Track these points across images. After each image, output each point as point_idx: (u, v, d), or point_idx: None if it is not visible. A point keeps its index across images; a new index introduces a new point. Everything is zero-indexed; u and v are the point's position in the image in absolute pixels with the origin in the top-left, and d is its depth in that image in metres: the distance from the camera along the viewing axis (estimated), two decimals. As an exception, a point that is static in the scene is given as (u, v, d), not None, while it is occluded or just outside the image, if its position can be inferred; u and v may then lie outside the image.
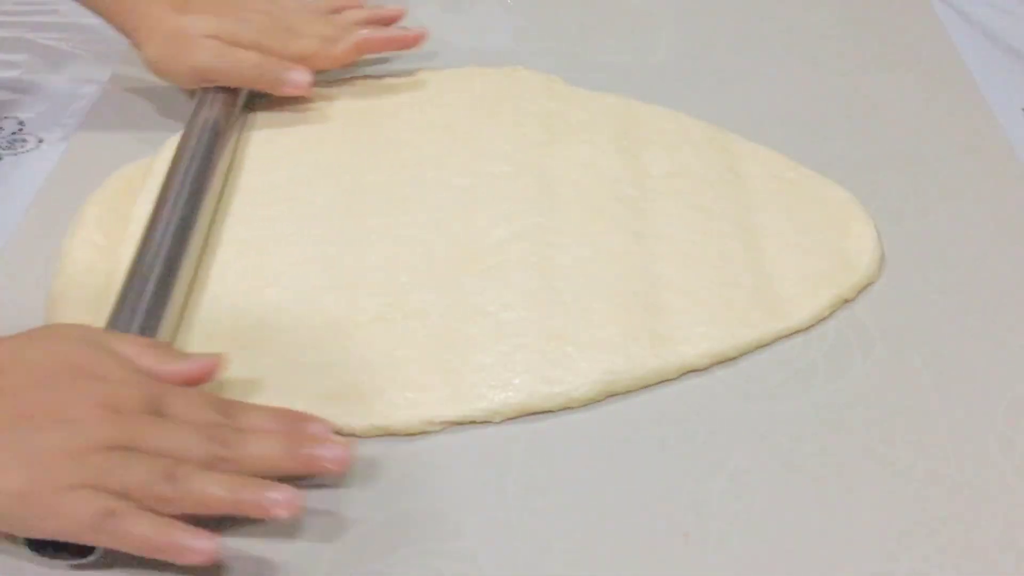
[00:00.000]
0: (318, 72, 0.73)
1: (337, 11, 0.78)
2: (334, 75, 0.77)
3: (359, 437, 0.53)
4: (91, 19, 0.87)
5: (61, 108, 0.77)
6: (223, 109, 0.69)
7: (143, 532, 0.44)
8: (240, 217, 0.65)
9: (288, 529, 0.49)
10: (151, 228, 0.60)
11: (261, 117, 0.73)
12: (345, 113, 0.73)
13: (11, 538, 0.46)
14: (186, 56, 0.70)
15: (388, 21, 0.78)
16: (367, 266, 0.61)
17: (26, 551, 0.46)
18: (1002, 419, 0.53)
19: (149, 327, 0.54)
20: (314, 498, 0.50)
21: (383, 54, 0.78)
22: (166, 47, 0.70)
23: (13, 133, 0.75)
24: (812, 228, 0.63)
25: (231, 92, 0.71)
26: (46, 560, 0.46)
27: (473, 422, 0.54)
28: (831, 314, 0.59)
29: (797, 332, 0.58)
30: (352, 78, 0.77)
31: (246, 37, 0.70)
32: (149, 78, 0.79)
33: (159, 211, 0.61)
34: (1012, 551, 0.47)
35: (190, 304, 0.59)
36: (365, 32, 0.74)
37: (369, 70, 0.78)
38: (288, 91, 0.71)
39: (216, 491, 0.46)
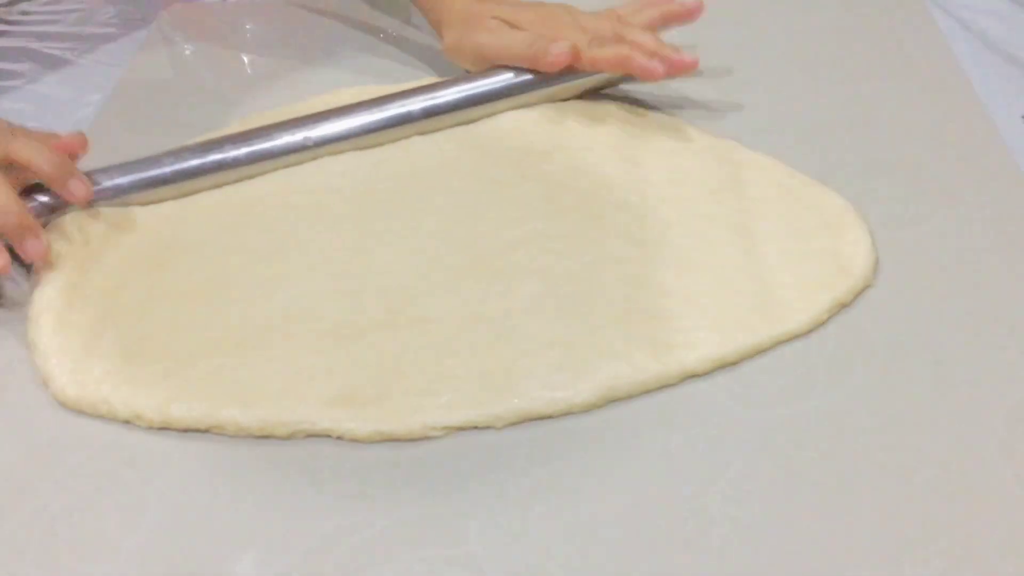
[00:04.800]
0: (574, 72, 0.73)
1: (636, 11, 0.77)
2: (342, 79, 0.77)
3: (363, 442, 0.53)
4: (95, 29, 0.88)
5: (65, 117, 0.78)
6: None
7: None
8: (247, 222, 0.65)
9: (289, 535, 0.49)
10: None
11: (267, 122, 0.74)
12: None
13: None
14: (471, 36, 0.74)
15: (681, 17, 0.76)
16: (371, 272, 0.61)
17: None
18: (1003, 425, 0.53)
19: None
20: (317, 503, 0.51)
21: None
22: (458, 31, 0.75)
23: (18, 142, 0.75)
24: (809, 234, 0.63)
25: None
26: None
27: (476, 427, 0.54)
28: (830, 319, 0.59)
29: (797, 337, 0.58)
30: (358, 84, 0.77)
31: (525, 19, 0.73)
32: (153, 87, 0.80)
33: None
34: (1014, 557, 0.47)
35: (196, 309, 0.60)
36: (626, 50, 0.70)
37: (371, 76, 0.79)
38: (546, 65, 0.71)
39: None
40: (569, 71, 0.72)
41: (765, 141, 0.71)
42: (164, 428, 0.55)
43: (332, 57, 0.83)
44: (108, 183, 0.65)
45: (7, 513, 0.51)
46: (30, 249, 0.61)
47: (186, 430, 0.54)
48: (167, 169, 0.67)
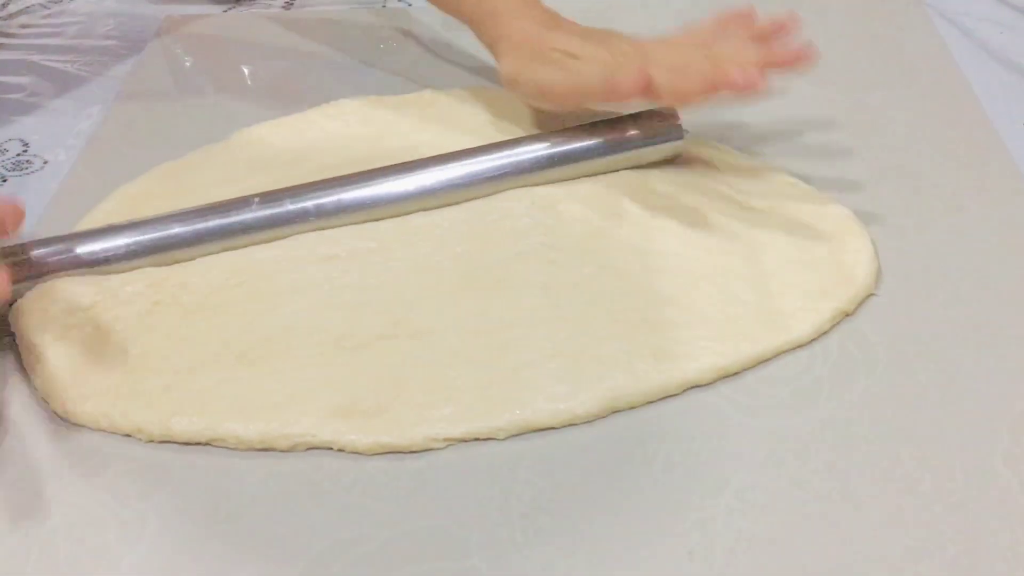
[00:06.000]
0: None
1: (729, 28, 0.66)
2: (342, 91, 0.77)
3: (364, 454, 0.53)
4: (95, 41, 0.88)
5: (66, 129, 0.78)
6: None
7: None
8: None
9: (290, 548, 0.49)
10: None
11: (268, 134, 0.74)
12: (351, 131, 0.73)
13: None
14: (533, 70, 0.66)
15: (784, 62, 0.63)
16: (373, 284, 0.61)
17: None
18: (1007, 433, 0.53)
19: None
20: (319, 516, 0.51)
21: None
22: (519, 58, 0.67)
23: (18, 154, 0.76)
24: (811, 243, 0.63)
25: None
26: None
27: (477, 439, 0.54)
28: (832, 328, 0.59)
29: (799, 347, 0.58)
30: (358, 96, 0.77)
31: (591, 52, 0.65)
32: (153, 99, 0.79)
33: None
34: (1019, 566, 0.47)
35: (197, 322, 0.60)
36: (717, 71, 0.61)
37: (372, 88, 0.79)
38: (619, 95, 0.62)
39: None
40: (645, 108, 0.66)
41: (766, 150, 0.71)
42: (165, 441, 0.54)
43: (333, 68, 0.83)
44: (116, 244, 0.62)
45: (8, 527, 0.51)
46: None
47: (187, 443, 0.54)
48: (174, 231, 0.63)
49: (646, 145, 0.68)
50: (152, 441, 0.55)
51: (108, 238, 0.62)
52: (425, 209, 0.66)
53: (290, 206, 0.64)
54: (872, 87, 0.78)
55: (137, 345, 0.58)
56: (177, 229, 0.63)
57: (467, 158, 0.67)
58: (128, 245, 0.62)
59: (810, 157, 0.71)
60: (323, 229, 0.65)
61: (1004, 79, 0.80)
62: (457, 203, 0.66)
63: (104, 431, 0.55)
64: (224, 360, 0.57)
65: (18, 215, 0.57)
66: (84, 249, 0.62)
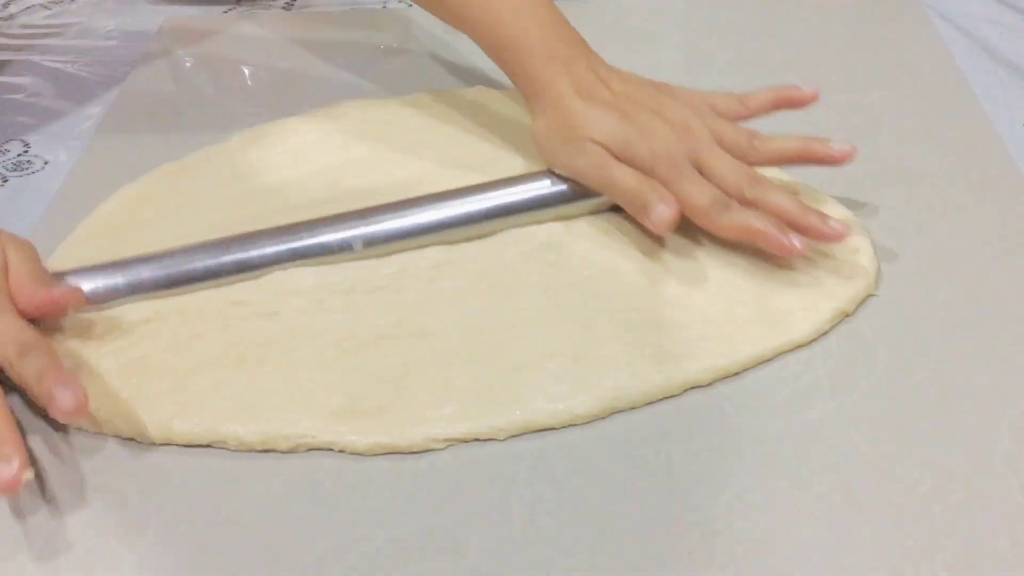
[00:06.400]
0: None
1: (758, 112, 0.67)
2: (342, 91, 0.78)
3: (364, 455, 0.53)
4: (95, 42, 0.88)
5: (66, 130, 0.78)
6: None
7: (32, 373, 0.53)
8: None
9: (290, 549, 0.49)
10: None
11: (268, 135, 0.74)
12: (351, 132, 0.74)
13: None
14: (568, 152, 0.64)
15: (822, 159, 0.64)
16: (374, 285, 0.61)
17: None
18: (1007, 434, 0.53)
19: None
20: (319, 516, 0.51)
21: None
22: (554, 131, 0.65)
23: (19, 155, 0.76)
24: (810, 243, 0.63)
25: None
26: None
27: (478, 439, 0.54)
28: (832, 329, 0.59)
29: (799, 347, 0.58)
30: (358, 96, 0.77)
31: (637, 156, 0.62)
32: (153, 100, 0.80)
33: None
34: (1019, 566, 0.47)
35: (198, 324, 0.60)
36: (757, 224, 0.60)
37: (373, 88, 0.79)
38: (648, 226, 0.61)
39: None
40: None
41: (766, 150, 0.71)
42: (166, 444, 0.54)
43: (334, 69, 0.83)
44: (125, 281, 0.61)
45: (7, 529, 0.51)
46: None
47: (188, 445, 0.54)
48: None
49: None
50: (153, 443, 0.55)
51: (105, 276, 0.61)
52: (437, 244, 0.64)
53: (296, 243, 0.62)
54: (872, 87, 0.78)
55: (138, 348, 0.58)
56: (177, 270, 0.61)
57: (480, 193, 0.65)
58: (126, 284, 0.61)
59: (810, 157, 0.71)
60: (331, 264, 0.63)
61: (1004, 79, 0.80)
62: (469, 240, 0.65)
63: (105, 434, 0.55)
64: (225, 362, 0.57)
65: (79, 299, 0.59)
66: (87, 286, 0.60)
